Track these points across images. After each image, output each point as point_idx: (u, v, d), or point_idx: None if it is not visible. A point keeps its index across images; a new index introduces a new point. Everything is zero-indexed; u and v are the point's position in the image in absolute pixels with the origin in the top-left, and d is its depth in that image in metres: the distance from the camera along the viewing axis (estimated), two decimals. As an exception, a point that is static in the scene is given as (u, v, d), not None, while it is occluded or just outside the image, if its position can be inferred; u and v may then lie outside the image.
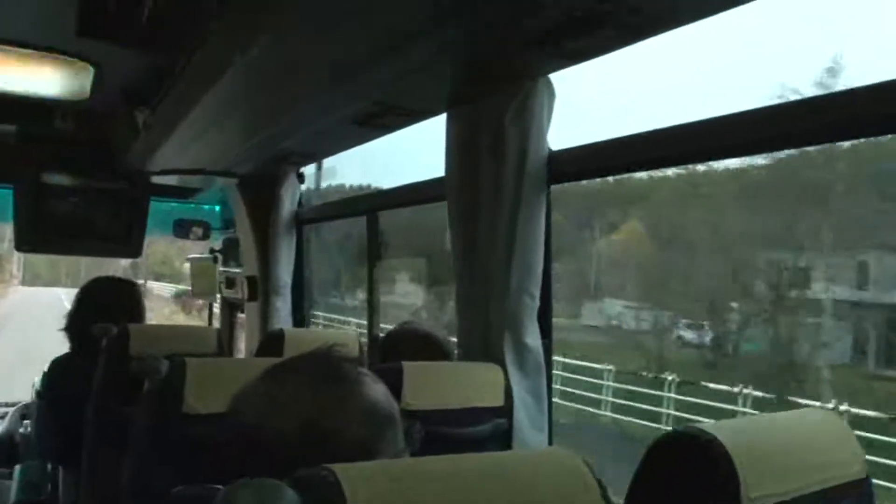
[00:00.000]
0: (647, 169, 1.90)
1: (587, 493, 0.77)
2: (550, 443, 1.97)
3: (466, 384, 1.82)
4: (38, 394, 3.24)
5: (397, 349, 1.98)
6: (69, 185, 3.61)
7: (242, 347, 4.00)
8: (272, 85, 2.17)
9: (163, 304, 24.26)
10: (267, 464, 0.87)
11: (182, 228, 4.30)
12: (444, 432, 1.68)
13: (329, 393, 0.99)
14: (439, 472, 0.73)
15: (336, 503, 0.65)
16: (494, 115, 1.90)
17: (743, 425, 1.07)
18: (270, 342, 2.39)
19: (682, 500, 0.91)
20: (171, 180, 3.68)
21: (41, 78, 2.81)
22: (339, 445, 0.94)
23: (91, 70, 2.69)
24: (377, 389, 1.03)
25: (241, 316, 4.17)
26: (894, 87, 1.24)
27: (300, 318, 3.62)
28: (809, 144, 1.44)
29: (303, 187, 3.56)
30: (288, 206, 3.44)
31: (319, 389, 0.99)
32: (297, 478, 0.69)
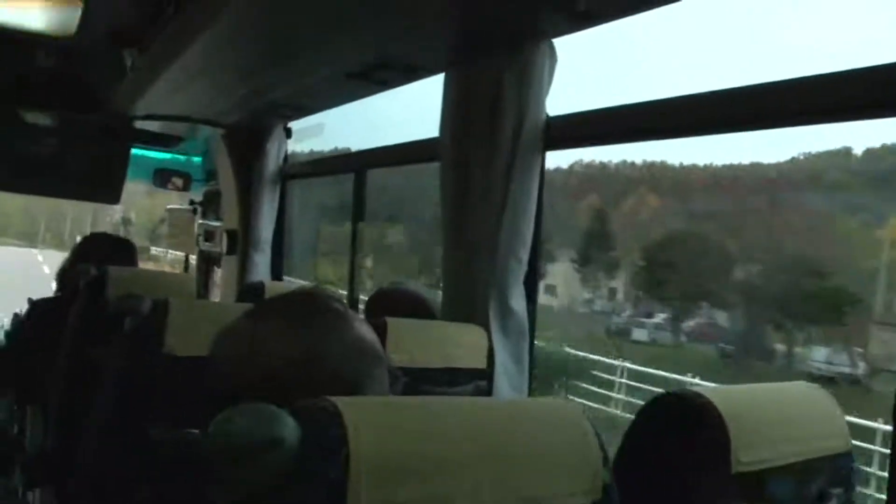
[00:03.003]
0: (643, 139, 1.89)
1: (587, 443, 0.76)
2: None
3: (450, 344, 1.81)
4: (7, 334, 3.19)
5: (384, 307, 1.96)
6: (48, 125, 3.53)
7: (217, 299, 3.96)
8: (267, 31, 2.12)
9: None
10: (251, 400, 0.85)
11: (162, 178, 4.23)
12: (425, 390, 1.68)
13: (316, 327, 0.96)
14: (441, 409, 0.72)
15: (338, 434, 0.64)
16: (494, 77, 1.88)
17: (735, 392, 1.07)
18: (250, 293, 2.37)
19: (672, 458, 0.91)
20: (154, 126, 3.61)
21: (27, 10, 2.72)
22: (325, 380, 0.92)
23: (80, 5, 2.61)
24: (364, 328, 1.00)
25: (217, 271, 4.13)
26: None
27: (278, 275, 3.59)
28: (811, 123, 1.43)
29: (289, 143, 3.51)
30: (274, 160, 3.39)
31: (306, 324, 0.96)
32: (297, 408, 0.68)
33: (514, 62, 1.85)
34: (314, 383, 0.90)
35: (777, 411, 1.02)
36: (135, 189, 3.85)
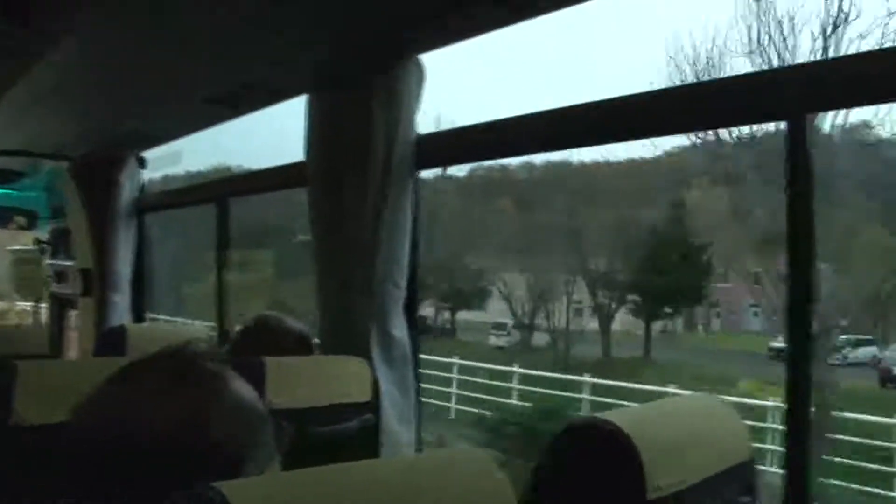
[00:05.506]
0: (515, 154, 1.89)
1: (497, 492, 0.70)
2: (419, 434, 1.91)
3: (332, 379, 1.72)
4: None
5: (254, 343, 1.84)
6: None
7: (75, 348, 3.68)
8: (114, 58, 1.98)
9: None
10: (120, 478, 0.75)
11: (2, 217, 3.91)
12: (310, 431, 1.58)
13: (191, 394, 0.87)
14: (341, 479, 0.65)
15: None
16: (361, 97, 1.81)
17: (642, 413, 1.05)
18: (110, 340, 2.18)
19: (585, 490, 0.87)
20: (-13, 162, 3.33)
21: None
22: (206, 451, 0.83)
23: None
24: (243, 388, 0.92)
25: (74, 313, 3.84)
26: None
27: (140, 314, 3.36)
28: (686, 131, 1.46)
29: (145, 174, 3.31)
30: (128, 192, 3.18)
31: (180, 391, 0.87)
32: (179, 497, 0.59)
33: (381, 81, 1.79)
34: (194, 455, 0.80)
35: (685, 429, 1.01)
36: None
